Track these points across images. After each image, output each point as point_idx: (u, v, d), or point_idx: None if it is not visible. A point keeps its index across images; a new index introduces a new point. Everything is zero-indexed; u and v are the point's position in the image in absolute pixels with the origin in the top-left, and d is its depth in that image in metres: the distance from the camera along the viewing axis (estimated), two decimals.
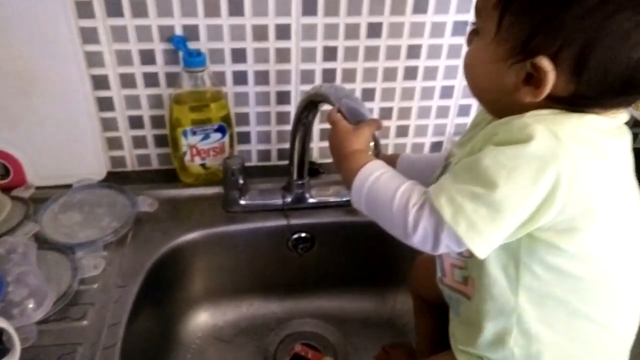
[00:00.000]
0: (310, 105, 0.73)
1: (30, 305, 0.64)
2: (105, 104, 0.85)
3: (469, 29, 0.53)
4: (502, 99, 0.50)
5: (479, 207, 0.46)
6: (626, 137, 0.51)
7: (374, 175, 0.54)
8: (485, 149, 0.47)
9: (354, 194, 0.56)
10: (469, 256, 0.55)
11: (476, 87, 0.54)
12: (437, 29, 0.86)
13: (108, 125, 0.88)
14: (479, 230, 0.46)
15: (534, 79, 0.46)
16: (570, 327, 0.53)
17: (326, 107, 0.69)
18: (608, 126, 0.49)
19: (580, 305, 0.52)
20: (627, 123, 0.51)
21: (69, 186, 0.85)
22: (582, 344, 0.54)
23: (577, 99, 0.47)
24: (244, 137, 0.94)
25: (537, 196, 0.45)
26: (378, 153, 0.64)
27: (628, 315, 0.56)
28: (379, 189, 0.54)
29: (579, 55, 0.44)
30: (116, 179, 0.89)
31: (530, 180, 0.44)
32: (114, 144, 0.90)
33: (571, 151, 0.44)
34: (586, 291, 0.52)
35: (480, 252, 0.47)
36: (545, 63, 0.45)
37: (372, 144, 0.62)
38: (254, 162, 0.97)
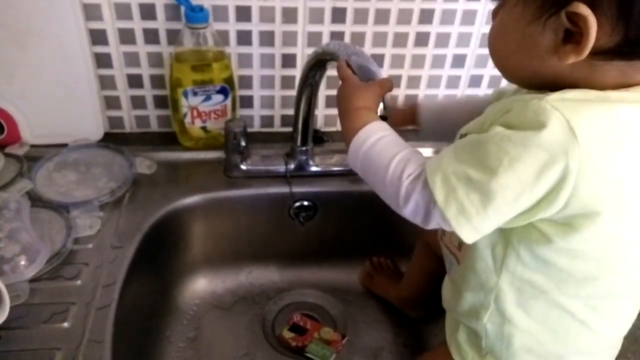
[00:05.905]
0: (318, 63, 0.70)
1: (22, 262, 0.61)
2: (103, 61, 0.82)
3: (492, 6, 0.49)
4: (538, 68, 0.45)
5: (472, 192, 0.43)
6: None
7: (372, 139, 0.52)
8: (492, 129, 0.43)
9: (351, 154, 0.54)
10: None
11: (506, 58, 0.48)
12: None
13: (106, 83, 0.84)
14: (468, 216, 0.44)
15: (574, 35, 0.41)
16: (547, 317, 0.51)
17: (333, 72, 0.66)
18: None
19: (561, 298, 0.49)
20: None
21: (64, 146, 0.82)
22: (556, 335, 0.52)
23: (628, 47, 0.40)
24: (247, 102, 0.90)
25: (536, 192, 0.41)
26: (387, 116, 0.61)
27: (615, 318, 0.53)
28: (375, 154, 0.52)
29: None
30: (113, 140, 0.86)
31: (533, 174, 0.41)
32: (112, 103, 0.87)
33: (584, 149, 0.40)
34: (570, 286, 0.49)
35: (467, 238, 0.45)
36: (582, 8, 0.39)
37: (381, 105, 0.59)
38: (256, 127, 0.94)
